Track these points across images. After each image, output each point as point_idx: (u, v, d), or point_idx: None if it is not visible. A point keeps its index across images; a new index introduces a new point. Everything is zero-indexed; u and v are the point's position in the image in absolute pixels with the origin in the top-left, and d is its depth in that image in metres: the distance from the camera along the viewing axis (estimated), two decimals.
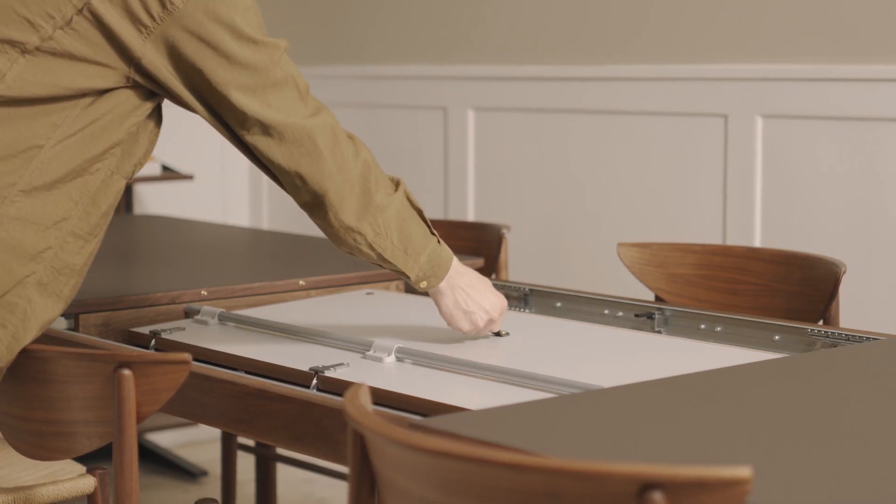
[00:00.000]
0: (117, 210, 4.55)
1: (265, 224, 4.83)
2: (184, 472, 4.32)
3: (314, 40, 4.67)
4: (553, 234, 3.97)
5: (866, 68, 3.29)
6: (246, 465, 4.19)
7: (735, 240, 3.54)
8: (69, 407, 2.02)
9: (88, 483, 2.40)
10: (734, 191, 3.54)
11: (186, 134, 4.72)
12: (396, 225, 2.16)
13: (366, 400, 1.49)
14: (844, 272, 2.44)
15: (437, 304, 2.23)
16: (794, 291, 2.52)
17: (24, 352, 2.03)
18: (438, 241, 2.21)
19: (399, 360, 2.13)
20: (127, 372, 1.95)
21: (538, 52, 4.00)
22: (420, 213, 2.20)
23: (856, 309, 3.18)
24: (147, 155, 2.13)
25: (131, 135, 2.08)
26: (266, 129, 2.09)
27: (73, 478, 2.40)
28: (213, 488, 4.20)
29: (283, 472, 4.17)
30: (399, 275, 2.20)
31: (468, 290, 2.22)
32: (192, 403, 2.09)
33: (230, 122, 2.10)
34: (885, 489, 1.30)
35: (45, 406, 2.05)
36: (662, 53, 3.70)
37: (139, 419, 1.97)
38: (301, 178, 2.12)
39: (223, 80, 2.05)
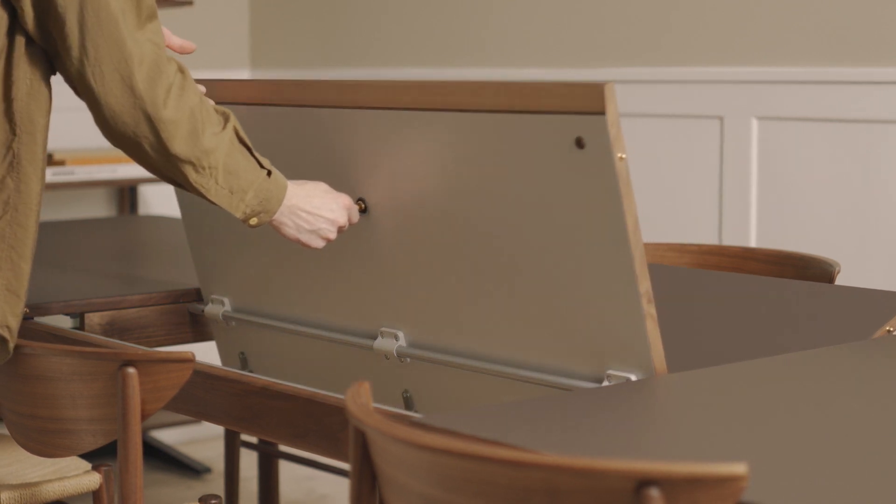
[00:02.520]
0: (122, 210, 4.57)
1: None
2: (187, 468, 4.33)
3: (315, 44, 4.68)
4: None
5: (860, 71, 3.31)
6: (249, 462, 4.21)
7: (731, 240, 3.55)
8: (74, 405, 2.03)
9: (94, 480, 2.41)
10: (730, 192, 3.55)
11: None
12: (223, 164, 2.05)
13: (367, 398, 1.51)
14: (839, 272, 2.45)
15: (281, 233, 2.15)
16: None
17: (30, 350, 2.04)
18: (269, 174, 2.10)
19: (403, 359, 2.15)
20: (131, 370, 1.96)
21: (537, 55, 4.01)
22: (249, 148, 2.09)
23: None
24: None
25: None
26: (83, 45, 1.98)
27: (79, 474, 2.41)
28: (216, 485, 4.21)
29: (286, 469, 4.18)
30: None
31: (306, 208, 2.13)
32: (195, 401, 2.10)
33: (46, 28, 1.99)
34: (881, 486, 1.31)
35: (50, 404, 2.06)
36: (659, 56, 3.72)
37: (143, 417, 1.98)
38: (112, 109, 2.00)
39: None
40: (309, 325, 2.31)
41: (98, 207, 4.61)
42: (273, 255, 2.35)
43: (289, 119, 2.24)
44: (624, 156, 1.74)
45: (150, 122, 1.99)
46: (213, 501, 2.28)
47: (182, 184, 2.07)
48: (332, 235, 2.15)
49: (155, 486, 4.16)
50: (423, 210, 2.06)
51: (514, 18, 4.06)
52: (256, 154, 2.09)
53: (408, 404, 2.18)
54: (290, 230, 2.13)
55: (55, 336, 2.36)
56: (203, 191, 2.05)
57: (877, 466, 1.38)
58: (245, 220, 2.10)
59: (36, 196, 2.07)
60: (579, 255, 1.82)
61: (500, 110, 1.85)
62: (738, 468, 1.17)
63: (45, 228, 3.42)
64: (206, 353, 3.91)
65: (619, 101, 3.78)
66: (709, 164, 3.60)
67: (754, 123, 3.51)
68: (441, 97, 1.95)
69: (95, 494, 2.43)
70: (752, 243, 3.50)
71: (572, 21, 3.91)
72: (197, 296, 2.55)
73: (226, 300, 2.46)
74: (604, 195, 1.75)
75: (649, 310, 1.76)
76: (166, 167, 2.04)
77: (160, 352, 2.00)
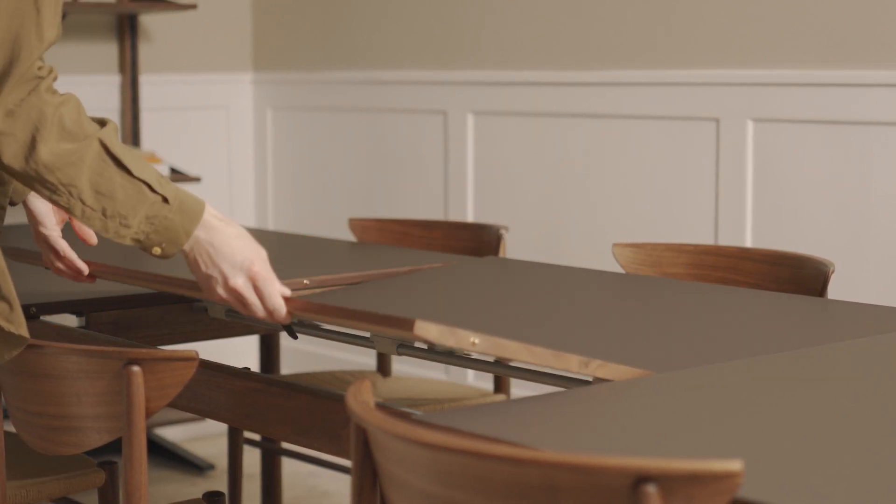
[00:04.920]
0: None
1: (270, 225, 4.86)
2: (191, 465, 4.34)
3: (317, 46, 4.69)
4: (550, 235, 4.00)
5: (855, 73, 3.32)
6: (252, 459, 4.23)
7: (727, 240, 3.56)
8: (80, 402, 2.04)
9: (99, 477, 2.43)
10: (726, 192, 3.57)
11: (194, 137, 4.77)
12: (88, 183, 1.83)
13: (368, 396, 1.52)
14: (833, 272, 2.46)
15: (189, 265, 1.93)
16: (783, 290, 2.53)
17: (37, 348, 2.05)
18: (165, 200, 1.86)
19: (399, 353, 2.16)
20: (136, 368, 1.97)
21: (536, 57, 4.03)
22: (127, 169, 1.85)
23: None
24: None
25: None
26: None
27: (84, 471, 2.42)
28: (219, 482, 4.22)
29: (288, 466, 4.20)
30: None
31: (208, 249, 1.89)
32: (199, 399, 2.11)
33: None
34: (875, 483, 1.32)
35: (56, 401, 2.07)
36: (656, 59, 3.73)
37: (148, 414, 1.99)
38: None
39: None
40: (306, 326, 2.33)
41: None
42: None
43: None
44: (477, 340, 1.74)
45: None
46: (217, 498, 2.30)
47: (44, 197, 1.87)
48: (219, 290, 1.90)
49: (159, 483, 4.18)
50: None
51: (513, 21, 4.08)
52: (144, 178, 1.87)
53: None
54: (190, 263, 1.92)
55: (61, 335, 2.37)
56: (66, 211, 1.86)
57: (871, 463, 1.39)
58: (146, 250, 1.89)
59: None
60: None
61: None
62: (734, 465, 1.18)
63: None
64: (210, 351, 3.95)
65: (618, 103, 3.82)
66: (705, 165, 3.62)
67: (750, 125, 3.52)
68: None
69: (100, 491, 2.45)
70: (748, 243, 3.52)
71: (570, 24, 3.93)
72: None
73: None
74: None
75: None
76: (14, 178, 1.86)
77: (164, 350, 2.00)
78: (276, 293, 1.89)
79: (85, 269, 2.19)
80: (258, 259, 1.90)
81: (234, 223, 1.93)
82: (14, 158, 1.81)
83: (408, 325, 1.68)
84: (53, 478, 2.39)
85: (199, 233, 1.87)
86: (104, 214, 1.84)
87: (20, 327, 2.00)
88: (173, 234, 1.87)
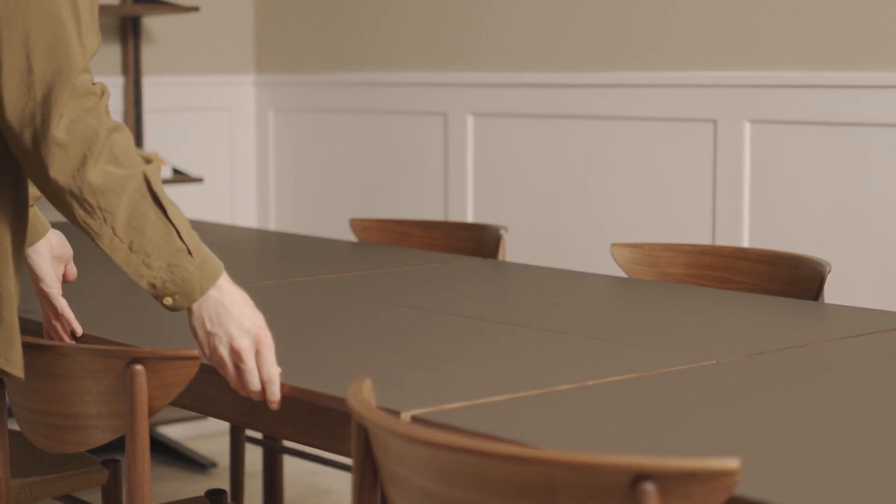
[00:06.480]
0: None
1: (272, 225, 4.87)
2: (194, 463, 4.35)
3: (319, 48, 4.71)
4: (549, 235, 4.01)
5: (851, 75, 3.33)
6: (254, 457, 4.24)
7: (724, 240, 3.57)
8: (83, 401, 2.04)
9: (102, 475, 2.44)
10: (723, 193, 3.58)
11: (196, 138, 4.78)
12: (124, 214, 1.82)
13: (368, 394, 1.54)
14: (829, 271, 2.46)
15: (189, 320, 1.91)
16: (780, 290, 2.55)
17: (41, 348, 2.06)
18: (189, 252, 1.86)
19: None
20: (139, 367, 1.96)
21: (535, 59, 4.04)
22: (163, 209, 1.85)
23: None
24: None
25: None
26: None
27: (88, 469, 2.43)
28: (221, 479, 4.23)
29: (290, 464, 4.21)
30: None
31: (218, 308, 1.87)
32: (201, 397, 2.10)
33: None
34: (872, 481, 1.33)
35: (60, 400, 2.07)
36: (654, 60, 3.74)
37: (151, 413, 1.99)
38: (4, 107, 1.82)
39: None
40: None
41: None
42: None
43: None
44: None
45: (35, 137, 1.81)
46: (219, 496, 2.31)
47: (73, 223, 1.85)
48: (222, 352, 1.88)
49: (162, 481, 4.19)
50: None
51: (512, 23, 4.09)
52: (176, 223, 1.87)
53: None
54: (195, 319, 1.89)
55: None
56: (94, 236, 1.84)
57: (867, 461, 1.40)
58: (157, 298, 1.87)
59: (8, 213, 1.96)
60: None
61: None
62: (732, 463, 1.19)
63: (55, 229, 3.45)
64: None
65: (616, 105, 3.83)
66: (703, 166, 3.63)
67: (747, 126, 3.53)
68: None
69: (104, 489, 2.46)
70: (745, 243, 3.53)
71: (569, 25, 3.94)
72: None
73: None
74: None
75: None
76: (50, 195, 1.84)
77: (167, 349, 1.99)
78: (275, 363, 1.90)
79: (79, 330, 2.20)
80: (264, 326, 1.89)
81: (241, 290, 1.93)
82: (61, 172, 1.81)
83: (395, 416, 1.71)
84: (57, 476, 2.40)
85: (212, 292, 1.87)
86: (130, 248, 1.83)
87: (11, 365, 1.98)
88: (189, 288, 1.86)
